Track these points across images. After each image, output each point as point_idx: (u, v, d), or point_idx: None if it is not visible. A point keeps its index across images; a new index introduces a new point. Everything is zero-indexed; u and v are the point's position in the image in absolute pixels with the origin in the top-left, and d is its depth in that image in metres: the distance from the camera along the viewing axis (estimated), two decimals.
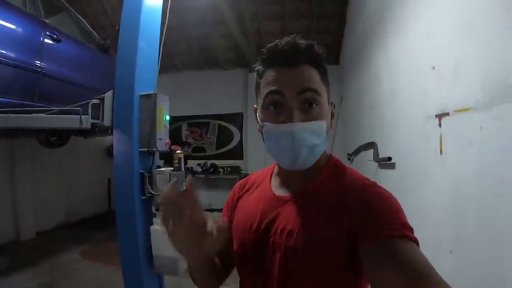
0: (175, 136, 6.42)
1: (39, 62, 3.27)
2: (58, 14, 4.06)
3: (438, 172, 2.55)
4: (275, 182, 1.03)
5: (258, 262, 0.92)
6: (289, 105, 0.84)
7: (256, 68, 0.93)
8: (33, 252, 5.48)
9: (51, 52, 3.45)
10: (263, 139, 0.93)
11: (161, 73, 2.79)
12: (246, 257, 0.97)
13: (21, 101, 3.08)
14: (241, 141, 8.47)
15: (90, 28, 4.36)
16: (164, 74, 2.64)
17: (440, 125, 2.51)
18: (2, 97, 2.93)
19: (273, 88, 0.85)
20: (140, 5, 2.63)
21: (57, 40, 3.52)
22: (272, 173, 1.07)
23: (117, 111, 2.64)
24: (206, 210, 6.83)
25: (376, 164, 4.19)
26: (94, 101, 2.79)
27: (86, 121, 2.83)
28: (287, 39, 0.86)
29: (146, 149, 2.52)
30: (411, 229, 0.74)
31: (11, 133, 4.44)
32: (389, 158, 3.66)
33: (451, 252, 2.28)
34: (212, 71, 8.55)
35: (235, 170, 8.22)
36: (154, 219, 2.60)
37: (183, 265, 2.60)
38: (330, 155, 1.00)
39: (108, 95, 2.72)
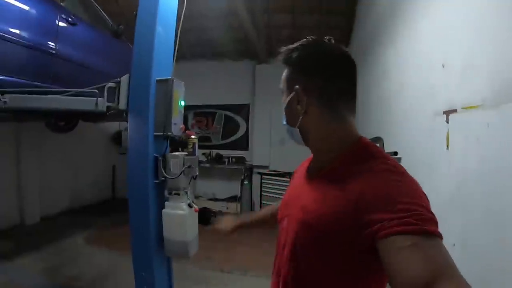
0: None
1: (54, 45, 3.30)
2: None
3: (444, 167, 2.58)
4: (309, 166, 1.17)
5: (282, 227, 1.10)
6: None
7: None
8: (38, 236, 5.56)
9: (66, 35, 3.48)
10: None
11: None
12: (278, 221, 1.17)
13: (35, 82, 3.12)
14: (247, 132, 8.49)
15: (104, 13, 4.39)
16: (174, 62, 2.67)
17: (447, 121, 2.54)
18: (17, 78, 2.97)
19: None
20: None
21: (72, 24, 3.56)
22: None
23: (133, 95, 2.67)
24: (210, 199, 6.92)
25: None
26: (110, 84, 2.82)
27: (102, 104, 2.86)
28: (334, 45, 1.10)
29: (161, 134, 2.56)
30: (432, 221, 0.73)
31: (19, 116, 4.48)
32: (395, 153, 3.70)
33: (454, 245, 2.31)
34: (221, 62, 8.58)
35: (240, 160, 8.25)
36: (166, 203, 2.64)
37: (193, 248, 2.66)
38: (359, 138, 1.01)
39: (124, 79, 2.75)
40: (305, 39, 1.07)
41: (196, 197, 7.27)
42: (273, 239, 1.20)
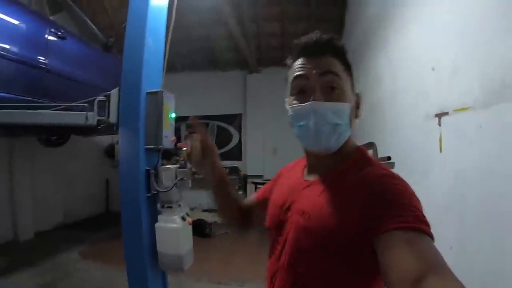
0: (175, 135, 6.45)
1: (43, 59, 3.28)
2: (62, 12, 4.08)
3: (438, 170, 2.59)
4: (306, 169, 1.12)
5: (278, 236, 1.04)
6: (312, 86, 0.94)
7: (287, 62, 1.06)
8: (32, 252, 5.47)
9: (55, 49, 3.47)
10: (291, 125, 1.03)
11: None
12: (271, 229, 1.11)
13: (25, 97, 3.10)
14: (240, 142, 8.50)
15: (94, 26, 4.38)
16: (164, 74, 2.67)
17: (439, 124, 2.55)
18: (6, 93, 2.94)
19: (298, 73, 0.97)
20: (147, 3, 2.65)
21: (62, 38, 3.54)
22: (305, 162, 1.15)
23: (123, 108, 2.65)
24: (205, 210, 6.85)
25: None
26: (100, 98, 2.80)
27: (92, 117, 2.84)
28: (311, 34, 0.99)
29: (152, 147, 2.54)
30: (427, 223, 0.76)
31: (11, 131, 4.45)
32: (389, 158, 3.70)
33: (451, 248, 2.30)
34: (212, 72, 8.59)
35: (234, 170, 8.20)
36: (159, 216, 2.61)
37: (188, 261, 2.62)
38: (358, 147, 1.06)
39: (114, 92, 2.73)
40: (316, 31, 1.01)
41: (191, 208, 7.20)
42: None
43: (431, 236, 0.73)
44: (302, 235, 0.93)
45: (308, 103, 0.93)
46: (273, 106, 6.47)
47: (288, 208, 1.04)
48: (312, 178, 1.05)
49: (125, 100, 2.64)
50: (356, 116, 1.02)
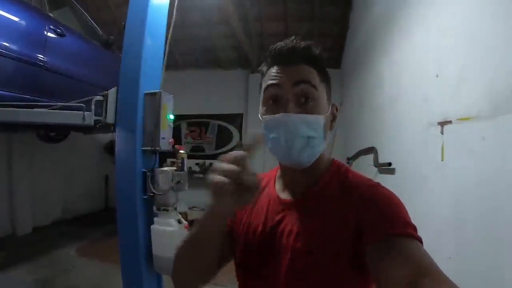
0: (174, 134, 6.44)
1: (42, 56, 3.25)
2: (62, 8, 4.05)
3: (439, 179, 2.55)
4: (279, 184, 1.04)
5: (262, 265, 0.94)
6: (285, 97, 0.88)
7: (260, 69, 0.99)
8: (30, 247, 5.45)
9: (54, 47, 3.44)
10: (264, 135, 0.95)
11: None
12: (248, 260, 0.98)
13: (23, 95, 3.06)
14: (240, 141, 8.43)
15: (94, 23, 4.34)
16: (165, 72, 2.63)
17: (442, 133, 2.51)
18: (4, 91, 2.91)
19: (271, 82, 0.91)
20: (147, 2, 2.62)
21: (61, 35, 3.51)
22: (276, 176, 1.08)
23: (121, 108, 2.63)
24: (203, 210, 6.93)
25: (376, 169, 4.20)
26: (97, 97, 2.78)
27: (89, 117, 2.82)
28: (287, 41, 0.92)
29: (149, 148, 2.51)
30: (414, 228, 0.77)
31: (10, 127, 4.43)
32: (389, 164, 3.67)
33: (449, 258, 2.27)
34: (213, 71, 8.53)
35: None
36: (155, 219, 2.59)
37: None
38: (333, 159, 1.02)
39: (112, 92, 2.70)
40: (292, 37, 0.94)
41: (190, 207, 7.18)
42: None
43: (420, 240, 0.75)
44: (299, 260, 0.87)
45: (279, 114, 0.87)
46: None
47: (272, 232, 0.94)
48: (289, 195, 0.98)
49: (123, 100, 2.62)
50: (330, 128, 0.97)
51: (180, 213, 2.76)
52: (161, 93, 2.53)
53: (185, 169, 2.69)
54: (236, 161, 0.70)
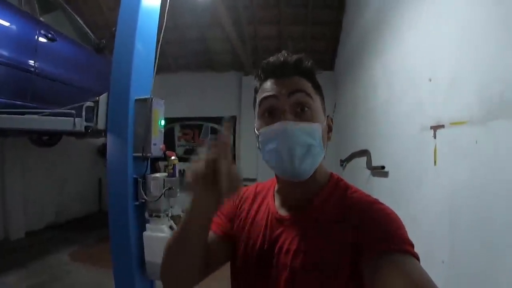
0: (167, 137, 6.37)
1: (33, 62, 3.21)
2: (54, 12, 4.01)
3: (432, 182, 2.56)
4: (277, 199, 1.02)
5: (260, 281, 0.92)
6: (281, 107, 0.88)
7: (254, 86, 0.99)
8: (23, 252, 5.43)
9: (45, 52, 3.40)
10: (260, 149, 0.94)
11: (155, 74, 2.77)
12: (247, 274, 0.96)
13: (13, 101, 3.02)
14: (233, 144, 8.39)
15: (86, 27, 4.32)
16: (158, 75, 2.60)
17: (435, 137, 2.52)
18: None
19: (266, 94, 0.91)
20: (137, 7, 2.60)
21: (51, 39, 3.48)
22: (274, 189, 1.06)
23: (111, 114, 2.62)
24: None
25: (369, 171, 4.20)
26: (88, 103, 2.75)
27: (80, 124, 2.80)
28: (279, 55, 0.94)
29: (140, 154, 2.50)
30: (412, 245, 0.76)
31: (1, 132, 4.39)
32: (383, 167, 3.68)
33: (443, 262, 2.28)
34: (207, 74, 8.51)
35: None
36: (147, 225, 2.58)
37: None
38: (331, 173, 1.00)
39: (102, 98, 2.69)
40: (283, 51, 0.95)
41: (183, 211, 7.13)
42: None
43: (416, 257, 0.74)
44: (298, 278, 0.85)
45: (277, 123, 0.86)
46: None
47: (270, 248, 0.92)
48: (287, 211, 0.96)
49: (114, 107, 2.61)
50: (328, 139, 0.96)
51: (174, 216, 2.75)
52: (152, 99, 2.51)
53: (177, 175, 2.68)
54: (212, 148, 0.75)
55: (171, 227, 2.58)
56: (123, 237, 2.53)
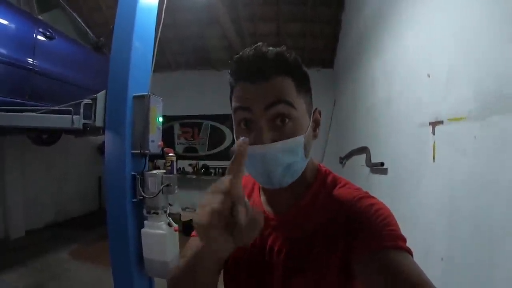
0: (167, 135, 6.34)
1: (31, 60, 3.21)
2: (52, 11, 4.01)
3: (431, 179, 2.55)
4: (263, 195, 0.98)
5: (252, 282, 0.90)
6: (258, 123, 0.79)
7: (229, 81, 0.88)
8: (22, 251, 5.43)
9: (43, 50, 3.40)
10: None
11: (154, 72, 2.76)
12: (239, 275, 0.93)
13: (11, 99, 3.03)
14: (233, 142, 8.28)
15: (84, 25, 4.31)
16: (157, 73, 2.60)
17: (433, 133, 2.51)
18: None
19: (239, 104, 0.81)
20: (135, 4, 2.60)
21: (50, 38, 3.47)
22: (260, 185, 1.00)
23: (109, 111, 2.62)
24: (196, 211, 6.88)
25: (368, 168, 4.20)
26: (86, 101, 2.76)
27: (78, 121, 2.80)
28: (252, 49, 0.81)
29: (139, 151, 2.50)
30: (404, 240, 0.75)
31: (0, 129, 4.39)
32: (382, 164, 3.67)
33: (442, 259, 2.28)
34: (206, 71, 8.46)
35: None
36: (145, 222, 2.58)
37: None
38: (319, 166, 0.96)
39: (100, 95, 2.69)
40: (260, 43, 0.82)
41: (183, 208, 7.15)
42: None
43: (409, 251, 0.73)
44: (291, 277, 0.84)
45: (254, 146, 0.77)
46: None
47: (261, 248, 0.89)
48: (276, 210, 0.93)
49: (112, 104, 2.61)
50: (314, 137, 0.89)
51: (174, 214, 2.75)
52: (149, 96, 2.51)
53: (175, 172, 2.68)
54: (223, 190, 0.57)
55: (169, 224, 2.59)
56: (121, 234, 2.54)
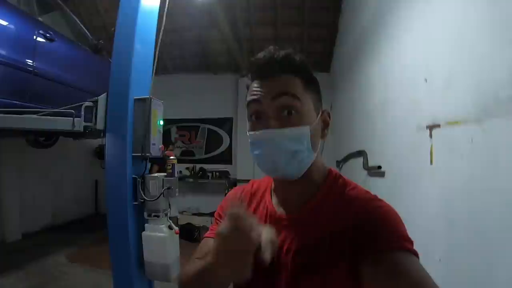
0: (164, 139, 6.39)
1: (31, 61, 3.21)
2: (52, 13, 4.01)
3: (428, 182, 2.57)
4: (275, 197, 1.01)
5: (260, 280, 0.88)
6: (265, 112, 0.86)
7: (246, 83, 0.95)
8: (19, 254, 5.40)
9: (44, 52, 3.40)
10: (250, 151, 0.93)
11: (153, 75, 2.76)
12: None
13: (11, 101, 3.02)
14: (230, 146, 8.39)
15: (84, 28, 4.32)
16: (155, 76, 2.60)
17: (431, 136, 2.53)
18: None
19: (251, 97, 0.88)
20: (137, 7, 2.61)
21: (50, 39, 3.48)
22: (271, 187, 1.04)
23: (110, 114, 2.62)
24: (194, 214, 6.77)
25: (365, 172, 4.22)
26: (87, 103, 2.76)
27: (79, 123, 2.80)
28: (266, 51, 0.89)
29: (139, 154, 2.50)
30: (411, 242, 0.77)
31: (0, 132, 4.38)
32: (379, 167, 3.69)
33: (439, 260, 2.29)
34: (203, 75, 8.49)
35: (224, 175, 8.15)
36: (146, 225, 2.58)
37: (175, 271, 2.59)
38: (330, 169, 0.99)
39: (101, 98, 2.69)
40: (271, 47, 0.90)
41: (180, 212, 7.14)
42: None
43: (415, 254, 0.75)
44: (300, 277, 0.85)
45: (260, 131, 0.85)
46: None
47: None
48: (286, 210, 0.95)
49: (113, 106, 2.61)
50: (322, 137, 0.94)
51: (171, 218, 2.75)
52: (151, 99, 2.52)
53: (176, 175, 2.68)
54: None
55: (170, 227, 2.59)
56: (122, 237, 2.53)
